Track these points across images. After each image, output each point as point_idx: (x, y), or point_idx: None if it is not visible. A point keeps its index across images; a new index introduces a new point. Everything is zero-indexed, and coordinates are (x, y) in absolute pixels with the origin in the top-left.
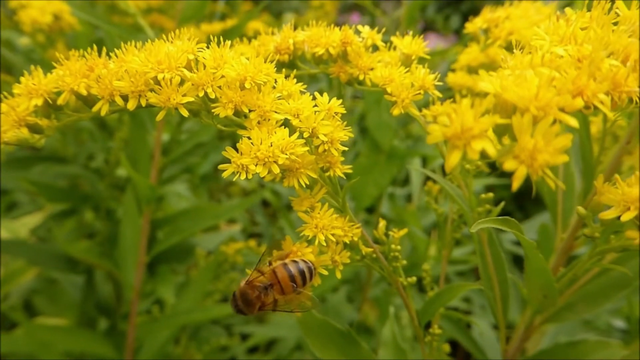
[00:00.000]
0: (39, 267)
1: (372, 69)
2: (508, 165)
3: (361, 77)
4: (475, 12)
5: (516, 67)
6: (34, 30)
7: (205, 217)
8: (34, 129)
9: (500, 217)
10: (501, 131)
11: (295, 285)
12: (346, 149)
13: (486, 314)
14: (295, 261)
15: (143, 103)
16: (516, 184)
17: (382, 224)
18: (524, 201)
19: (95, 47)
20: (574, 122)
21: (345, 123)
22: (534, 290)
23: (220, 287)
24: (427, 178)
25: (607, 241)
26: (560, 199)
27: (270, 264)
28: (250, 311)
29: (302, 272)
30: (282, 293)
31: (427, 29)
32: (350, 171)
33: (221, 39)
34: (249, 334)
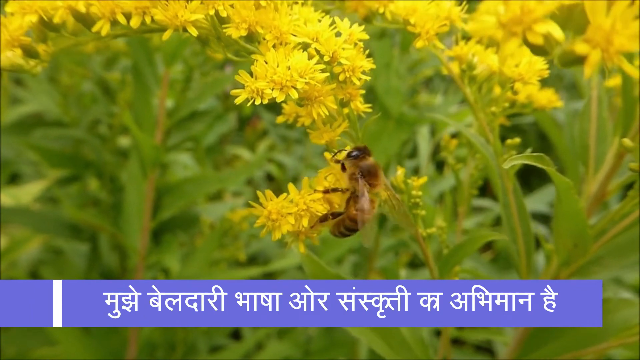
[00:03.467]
0: (43, 234)
1: (392, 1)
2: (580, 48)
3: (381, 10)
4: None
5: None
6: None
7: (209, 182)
8: (29, 52)
9: (533, 154)
10: (562, 22)
11: None
12: (368, 78)
13: None
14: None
15: (147, 20)
16: (589, 70)
17: (400, 171)
18: (529, 177)
19: None
20: None
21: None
22: (563, 238)
23: (226, 255)
24: (435, 151)
25: None
26: (593, 144)
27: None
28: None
29: None
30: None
31: None
32: (370, 110)
33: None
34: None
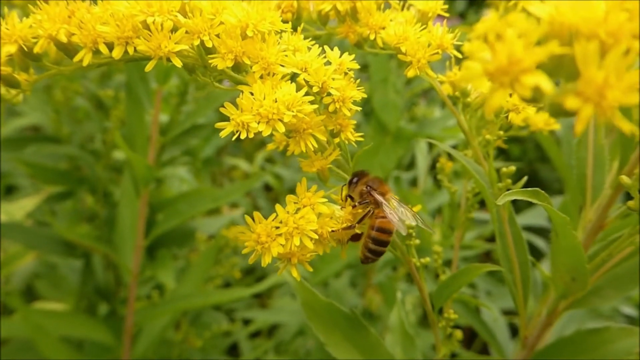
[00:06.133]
0: (36, 250)
1: (383, 28)
2: (570, 103)
3: (372, 37)
4: None
5: None
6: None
7: (204, 200)
8: (9, 82)
9: (528, 189)
10: (551, 69)
11: None
12: (359, 108)
13: (492, 300)
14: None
15: (130, 51)
16: (580, 127)
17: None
18: (528, 186)
19: None
20: None
21: (358, 81)
22: (560, 272)
23: (222, 272)
24: (434, 162)
25: None
26: (590, 173)
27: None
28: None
29: None
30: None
31: None
32: (362, 139)
33: None
34: (251, 319)
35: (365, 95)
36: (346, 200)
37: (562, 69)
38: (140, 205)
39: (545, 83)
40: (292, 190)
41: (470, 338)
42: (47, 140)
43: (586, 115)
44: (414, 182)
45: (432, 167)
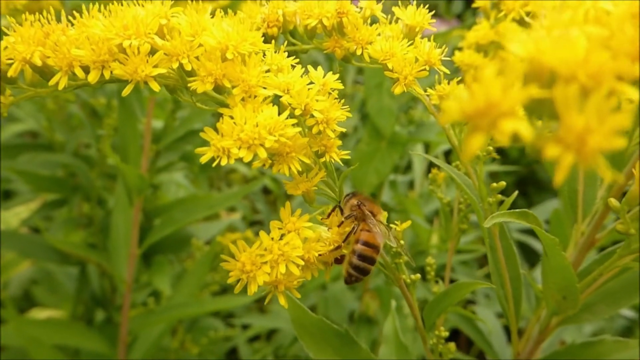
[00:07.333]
0: (31, 258)
1: (370, 43)
2: (550, 151)
3: (358, 52)
4: None
5: (553, 26)
6: (11, 12)
7: (200, 207)
8: None
9: (517, 210)
10: (532, 108)
11: None
12: (344, 130)
13: (491, 304)
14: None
15: (107, 75)
16: (561, 176)
17: (383, 214)
18: (526, 187)
19: (52, 11)
20: (634, 94)
21: (342, 101)
22: (551, 291)
23: (217, 278)
24: (431, 165)
25: None
26: (581, 188)
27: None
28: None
29: None
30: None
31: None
32: (348, 157)
33: (200, 3)
34: (249, 324)
35: (350, 115)
36: (335, 212)
37: (544, 109)
38: (134, 214)
39: (524, 129)
40: (290, 195)
41: (469, 342)
42: (42, 147)
43: (566, 165)
44: (411, 185)
45: (429, 170)
